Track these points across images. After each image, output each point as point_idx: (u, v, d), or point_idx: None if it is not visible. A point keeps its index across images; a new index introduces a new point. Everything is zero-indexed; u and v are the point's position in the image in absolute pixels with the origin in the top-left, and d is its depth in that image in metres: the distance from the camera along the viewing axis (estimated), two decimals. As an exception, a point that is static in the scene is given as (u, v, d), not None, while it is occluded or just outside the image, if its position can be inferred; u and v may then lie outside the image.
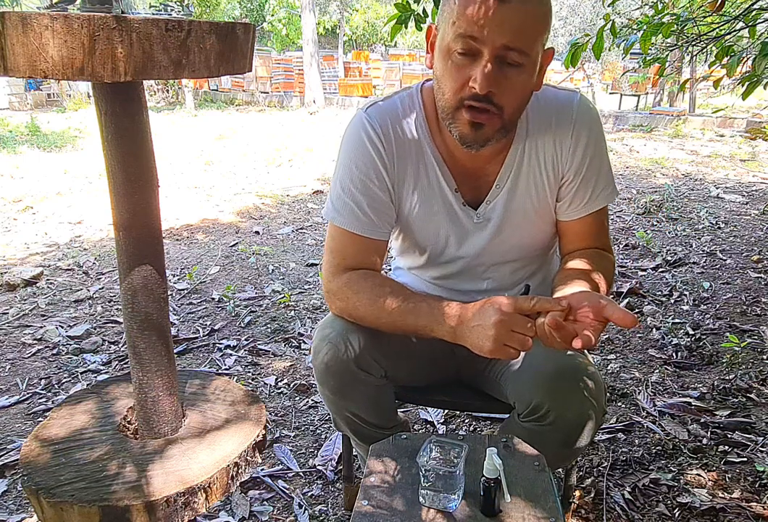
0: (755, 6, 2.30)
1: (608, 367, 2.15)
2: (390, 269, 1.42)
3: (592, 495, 1.50)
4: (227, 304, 2.70)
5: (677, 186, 5.11)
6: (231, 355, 2.29)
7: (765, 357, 2.17)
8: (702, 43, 2.54)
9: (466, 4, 0.87)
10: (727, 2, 2.19)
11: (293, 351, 2.31)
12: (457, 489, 0.85)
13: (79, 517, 1.00)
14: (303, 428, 1.84)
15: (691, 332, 2.38)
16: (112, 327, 2.52)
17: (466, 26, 0.87)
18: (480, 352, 0.91)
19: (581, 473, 1.58)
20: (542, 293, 0.98)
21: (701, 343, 2.30)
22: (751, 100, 6.50)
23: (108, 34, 0.77)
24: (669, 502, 1.48)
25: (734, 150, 7.07)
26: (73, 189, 5.03)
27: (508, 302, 0.88)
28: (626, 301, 2.70)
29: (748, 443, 1.68)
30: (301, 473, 1.62)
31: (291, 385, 2.06)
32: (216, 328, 2.50)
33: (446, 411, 1.89)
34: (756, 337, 2.33)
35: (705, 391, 1.96)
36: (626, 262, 3.24)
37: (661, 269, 3.13)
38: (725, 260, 3.23)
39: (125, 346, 2.03)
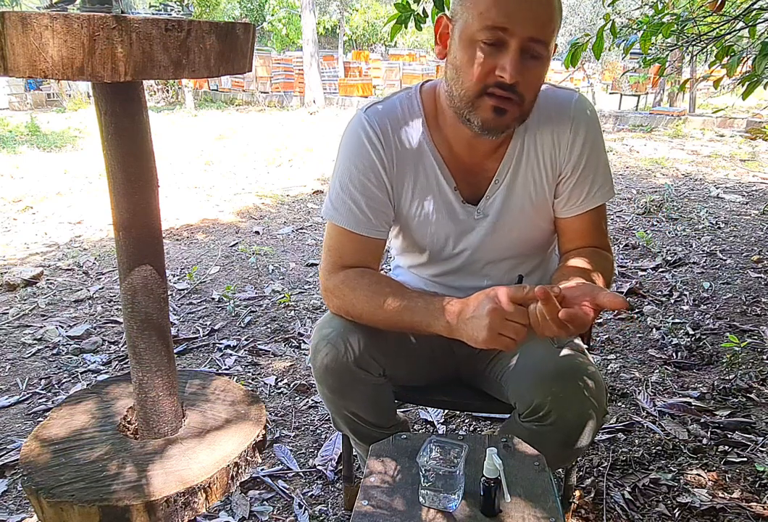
0: (755, 6, 2.30)
1: (608, 367, 2.15)
2: (390, 269, 1.42)
3: (592, 495, 1.50)
4: (227, 304, 2.70)
5: (677, 186, 5.11)
6: (231, 355, 2.29)
7: (765, 357, 2.17)
8: (702, 43, 2.54)
9: None
10: (727, 2, 2.19)
11: (293, 351, 2.31)
12: (457, 489, 0.85)
13: (79, 517, 1.00)
14: (303, 428, 1.84)
15: (691, 332, 2.38)
16: (112, 327, 2.52)
17: (495, 17, 0.90)
18: (475, 343, 0.91)
19: (581, 473, 1.58)
20: None
21: (701, 343, 2.30)
22: (751, 100, 6.50)
23: (108, 34, 0.77)
24: (669, 502, 1.48)
25: (734, 150, 7.07)
26: (73, 189, 5.03)
27: (502, 292, 0.89)
28: (626, 299, 2.69)
29: (748, 443, 1.68)
30: (301, 473, 1.62)
31: (291, 385, 2.06)
32: (216, 328, 2.50)
33: (446, 411, 1.89)
34: (756, 337, 2.33)
35: (705, 391, 1.96)
36: (626, 262, 3.24)
37: (661, 269, 3.13)
38: (725, 260, 3.23)
39: (125, 346, 2.03)
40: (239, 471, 1.13)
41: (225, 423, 1.22)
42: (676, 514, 1.43)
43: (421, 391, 1.29)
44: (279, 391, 2.04)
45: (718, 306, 2.65)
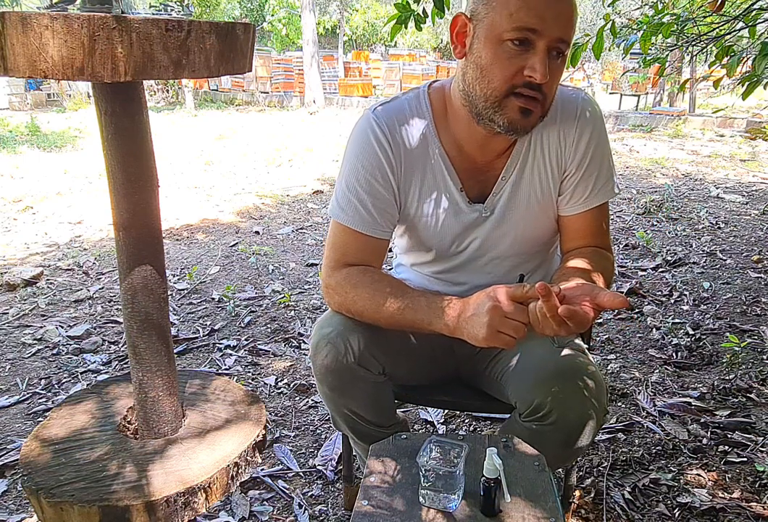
0: (755, 6, 2.30)
1: (608, 367, 2.15)
2: (390, 269, 1.42)
3: (592, 495, 1.50)
4: (227, 304, 2.70)
5: (677, 186, 5.11)
6: (231, 355, 2.29)
7: (765, 357, 2.17)
8: (702, 43, 2.54)
9: None
10: (727, 2, 2.19)
11: (293, 351, 2.31)
12: (457, 489, 0.85)
13: (79, 517, 1.00)
14: (303, 428, 1.84)
15: (691, 332, 2.38)
16: (112, 327, 2.52)
17: (526, 19, 0.91)
18: (475, 341, 0.92)
19: (581, 473, 1.58)
20: None
21: (701, 343, 2.30)
22: (751, 100, 6.51)
23: (108, 34, 0.77)
24: (669, 502, 1.48)
25: (734, 150, 7.07)
26: (73, 189, 5.03)
27: (502, 290, 0.90)
28: (626, 298, 2.69)
29: (748, 443, 1.68)
30: (301, 473, 1.62)
31: (291, 385, 2.06)
32: (216, 328, 2.50)
33: (446, 411, 1.89)
34: (756, 337, 2.33)
35: (705, 391, 1.95)
36: (626, 262, 3.24)
37: (661, 269, 3.13)
38: (725, 260, 3.23)
39: (125, 346, 2.03)
40: (239, 471, 1.14)
41: (225, 423, 1.22)
42: (676, 514, 1.43)
43: (421, 391, 1.28)
44: (279, 391, 2.04)
45: (718, 306, 2.65)
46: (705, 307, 2.65)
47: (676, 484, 1.53)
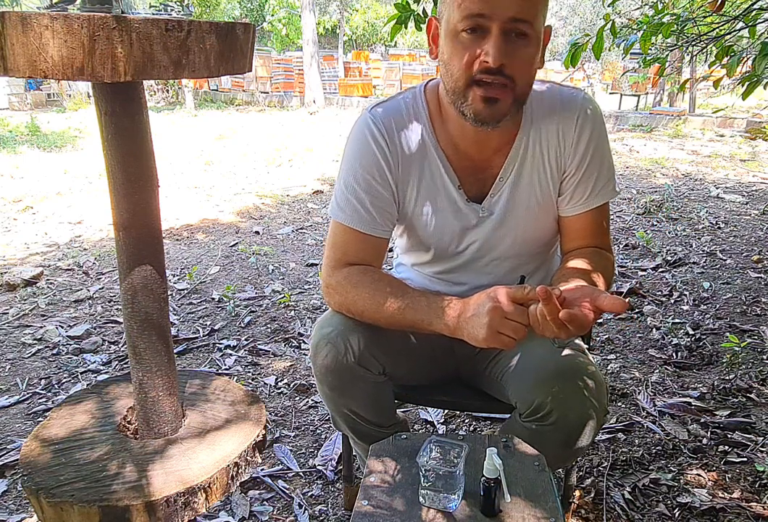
0: (755, 6, 2.30)
1: (608, 367, 2.15)
2: (390, 268, 1.42)
3: (592, 495, 1.50)
4: (227, 304, 2.70)
5: (677, 186, 5.11)
6: (231, 355, 2.29)
7: (765, 357, 2.17)
8: (702, 43, 2.54)
9: None
10: (727, 2, 2.19)
11: (293, 351, 2.31)
12: (457, 489, 0.85)
13: (79, 517, 1.00)
14: (303, 428, 1.84)
15: (691, 332, 2.38)
16: (112, 327, 2.52)
17: (472, 5, 0.91)
18: (476, 342, 0.92)
19: (581, 473, 1.58)
20: None
21: (701, 343, 2.30)
22: (751, 100, 6.50)
23: (108, 34, 0.77)
24: (669, 502, 1.48)
25: (734, 150, 7.07)
26: (73, 189, 5.03)
27: (502, 291, 0.89)
28: (626, 301, 2.69)
29: (748, 443, 1.68)
30: (301, 473, 1.62)
31: (291, 385, 2.06)
32: (216, 328, 2.50)
33: (446, 411, 1.89)
34: (756, 337, 2.33)
35: (705, 391, 1.95)
36: (626, 262, 3.24)
37: (661, 269, 3.13)
38: (725, 260, 3.23)
39: (125, 346, 2.03)
40: (239, 471, 1.14)
41: (225, 423, 1.22)
42: (676, 514, 1.43)
43: (421, 391, 1.28)
44: (279, 391, 2.04)
45: (718, 306, 2.65)
46: (705, 307, 2.65)
47: (676, 484, 1.53)
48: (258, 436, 1.19)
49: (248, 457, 1.16)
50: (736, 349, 2.15)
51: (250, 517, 1.47)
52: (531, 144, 1.09)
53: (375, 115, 1.10)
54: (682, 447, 1.68)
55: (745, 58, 2.25)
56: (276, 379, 2.10)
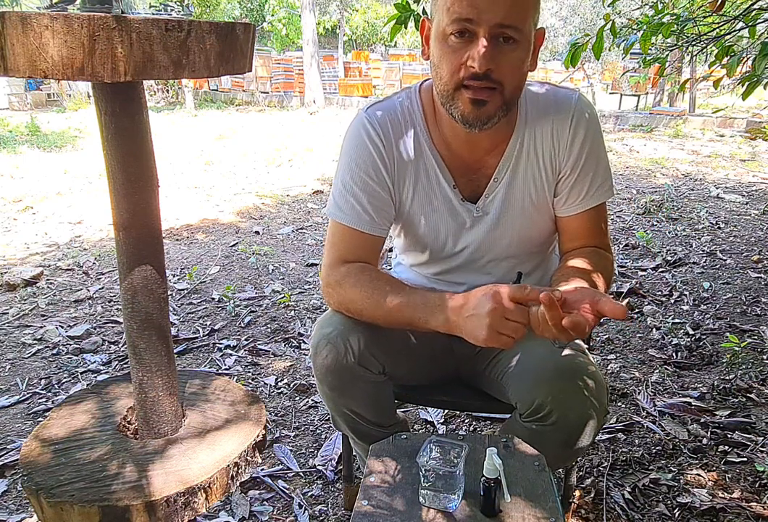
0: (755, 6, 2.30)
1: (608, 367, 2.15)
2: (390, 268, 1.42)
3: (592, 495, 1.50)
4: (227, 304, 2.70)
5: (677, 186, 5.11)
6: (231, 355, 2.29)
7: (765, 357, 2.17)
8: (702, 43, 2.54)
9: None
10: (727, 2, 2.19)
11: (293, 351, 2.31)
12: (457, 489, 0.85)
13: (79, 517, 1.00)
14: (303, 428, 1.84)
15: (691, 332, 2.38)
16: (112, 327, 2.52)
17: (460, 9, 0.91)
18: (475, 342, 0.91)
19: (581, 473, 1.58)
20: None
21: (701, 343, 2.30)
22: (751, 100, 6.51)
23: (108, 34, 0.77)
24: (669, 502, 1.48)
25: (734, 150, 7.07)
26: (73, 189, 5.03)
27: (502, 291, 0.89)
28: (626, 301, 2.70)
29: (748, 443, 1.68)
30: (301, 473, 1.62)
31: (291, 385, 2.06)
32: (216, 328, 2.50)
33: (446, 411, 1.89)
34: (756, 337, 2.33)
35: (705, 391, 1.95)
36: (626, 262, 3.24)
37: (661, 269, 3.13)
38: (725, 260, 3.23)
39: (125, 346, 2.03)
40: (239, 471, 1.14)
41: (225, 423, 1.22)
42: (676, 514, 1.43)
43: (421, 391, 1.28)
44: (279, 391, 2.04)
45: (718, 306, 2.65)
46: (705, 307, 2.65)
47: (676, 484, 1.53)
48: (258, 436, 1.19)
49: (248, 457, 1.16)
50: (736, 349, 2.15)
51: (250, 517, 1.47)
52: (525, 145, 1.10)
53: (370, 114, 1.11)
54: (682, 447, 1.68)
55: (745, 58, 2.25)
56: (276, 379, 2.10)
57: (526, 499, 0.86)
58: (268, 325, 2.53)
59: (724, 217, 4.10)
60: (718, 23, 2.46)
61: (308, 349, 2.31)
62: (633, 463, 1.62)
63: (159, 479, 1.05)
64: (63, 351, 2.30)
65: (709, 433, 1.74)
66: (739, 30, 2.41)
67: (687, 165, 6.15)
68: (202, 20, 0.86)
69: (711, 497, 1.47)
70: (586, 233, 1.14)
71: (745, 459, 1.62)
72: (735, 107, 10.71)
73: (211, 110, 12.52)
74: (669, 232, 3.77)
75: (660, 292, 2.82)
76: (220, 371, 2.16)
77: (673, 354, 2.24)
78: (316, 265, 3.28)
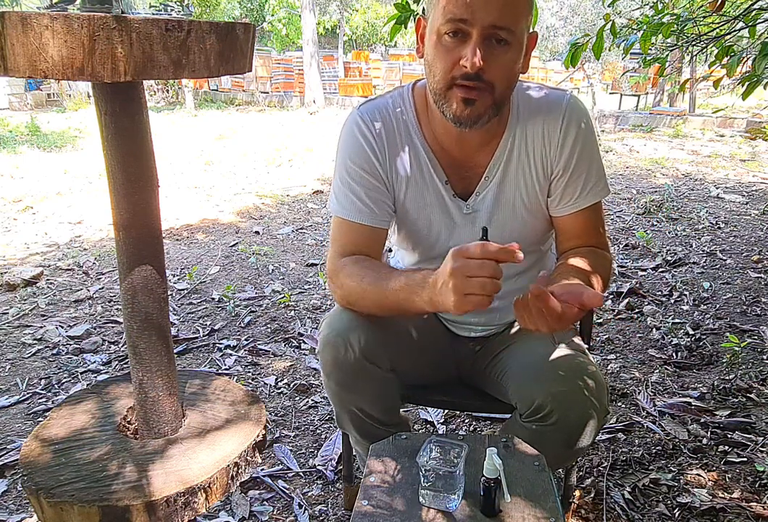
0: (755, 6, 2.30)
1: (608, 367, 2.15)
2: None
3: (592, 495, 1.50)
4: (227, 304, 2.70)
5: (677, 186, 5.11)
6: (231, 355, 2.29)
7: (765, 357, 2.17)
8: (702, 43, 2.54)
9: None
10: (727, 2, 2.19)
11: (293, 351, 2.31)
12: (457, 489, 0.85)
13: (79, 517, 1.00)
14: (303, 428, 1.84)
15: (691, 332, 2.38)
16: (112, 327, 2.52)
17: (454, 9, 0.92)
18: (449, 310, 0.88)
19: (581, 473, 1.58)
20: None
21: (701, 343, 2.30)
22: (751, 100, 6.51)
23: (108, 34, 0.77)
24: (669, 502, 1.48)
25: (734, 150, 7.07)
26: (73, 189, 5.03)
27: (461, 249, 0.85)
28: (626, 301, 2.70)
29: (748, 443, 1.68)
30: (301, 473, 1.62)
31: (291, 385, 2.06)
32: (216, 328, 2.50)
33: (446, 411, 1.89)
34: (756, 337, 2.33)
35: (705, 391, 1.96)
36: (626, 262, 3.24)
37: (661, 269, 3.13)
38: (725, 260, 3.23)
39: (125, 346, 2.03)
40: (239, 471, 1.13)
41: (225, 423, 1.22)
42: (676, 514, 1.43)
43: (421, 391, 1.29)
44: (279, 391, 2.04)
45: (718, 306, 2.65)
46: (705, 307, 2.65)
47: (676, 484, 1.53)
48: (258, 436, 1.19)
49: (248, 457, 1.16)
50: (736, 349, 2.15)
51: (250, 517, 1.47)
52: (516, 145, 1.11)
53: (363, 112, 1.13)
54: (682, 447, 1.68)
55: (745, 58, 2.25)
56: (276, 379, 2.10)
57: (526, 499, 0.86)
58: (268, 325, 2.52)
59: (724, 217, 4.10)
60: (718, 23, 2.46)
61: (308, 349, 2.31)
62: (633, 463, 1.62)
63: (159, 479, 1.05)
64: (63, 351, 2.30)
65: (709, 433, 1.74)
66: (739, 30, 2.41)
67: (687, 165, 6.15)
68: (202, 20, 0.86)
69: (711, 497, 1.47)
70: (582, 233, 1.15)
71: (745, 459, 1.62)
72: (735, 107, 10.71)
73: (211, 110, 12.52)
74: (669, 232, 3.77)
75: (660, 292, 2.82)
76: (220, 371, 2.16)
77: (673, 354, 2.24)
78: (316, 265, 3.28)
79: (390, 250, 1.44)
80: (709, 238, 3.63)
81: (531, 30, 1.01)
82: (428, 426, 1.84)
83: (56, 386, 2.07)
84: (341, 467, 1.53)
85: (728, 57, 2.21)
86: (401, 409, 1.28)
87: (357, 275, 1.07)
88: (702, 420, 1.80)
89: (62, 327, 2.48)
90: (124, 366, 2.19)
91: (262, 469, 1.63)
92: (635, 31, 2.40)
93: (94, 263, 3.28)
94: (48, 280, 3.01)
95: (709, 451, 1.66)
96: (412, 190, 1.13)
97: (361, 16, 20.80)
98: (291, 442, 1.77)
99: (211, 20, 0.89)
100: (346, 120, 1.15)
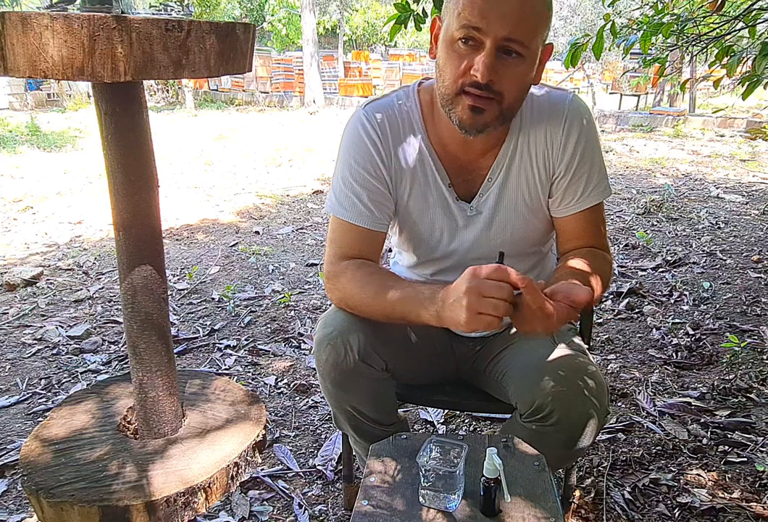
0: (755, 6, 2.30)
1: (608, 367, 2.15)
2: (388, 268, 1.42)
3: (592, 495, 1.50)
4: (227, 304, 2.70)
5: (677, 186, 5.11)
6: (231, 355, 2.29)
7: (765, 357, 2.17)
8: (702, 43, 2.54)
9: None
10: (727, 2, 2.19)
11: (293, 351, 2.31)
12: (457, 489, 0.85)
13: (79, 517, 1.00)
14: (303, 428, 1.84)
15: (691, 332, 2.38)
16: (112, 327, 2.52)
17: (470, 17, 0.91)
18: (459, 327, 0.89)
19: (581, 473, 1.58)
20: None
21: (701, 343, 2.30)
22: (751, 100, 6.51)
23: (108, 34, 0.77)
24: (669, 502, 1.48)
25: (734, 150, 7.07)
26: (73, 189, 5.03)
27: (478, 270, 0.87)
28: (626, 301, 2.70)
29: (748, 443, 1.68)
30: (301, 473, 1.62)
31: (291, 385, 2.06)
32: (216, 328, 2.50)
33: (446, 411, 1.89)
34: (756, 337, 2.33)
35: (705, 391, 1.95)
36: (626, 262, 3.24)
37: (661, 269, 3.13)
38: (725, 260, 3.23)
39: (125, 346, 2.03)
40: (239, 471, 1.13)
41: (225, 423, 1.22)
42: (676, 514, 1.43)
43: (421, 391, 1.29)
44: (279, 391, 2.04)
45: (718, 306, 2.65)
46: (705, 307, 2.65)
47: (676, 484, 1.53)
48: (258, 436, 1.19)
49: (248, 457, 1.16)
50: (736, 349, 2.15)
51: (250, 517, 1.47)
52: (519, 146, 1.10)
53: (368, 112, 1.11)
54: (682, 447, 1.68)
55: (745, 58, 2.25)
56: (276, 379, 2.10)
57: (526, 499, 0.86)
58: (268, 325, 2.52)
59: (724, 217, 4.10)
60: (718, 23, 2.46)
61: (308, 349, 2.31)
62: (633, 463, 1.62)
63: (159, 479, 1.05)
64: (63, 351, 2.30)
65: (709, 433, 1.74)
66: (739, 30, 2.41)
67: (687, 165, 6.15)
68: (202, 20, 0.86)
69: (711, 497, 1.47)
70: (583, 234, 1.15)
71: (745, 459, 1.62)
72: (735, 107, 10.71)
73: (211, 110, 12.52)
74: (669, 232, 3.77)
75: (660, 292, 2.82)
76: (220, 371, 2.16)
77: (673, 354, 2.24)
78: (316, 265, 3.28)
79: (390, 251, 1.44)
80: (709, 238, 3.63)
81: (546, 42, 1.00)
82: (428, 426, 1.84)
83: (56, 386, 2.07)
84: (341, 467, 1.53)
85: (728, 57, 2.21)
86: (400, 409, 1.28)
87: (362, 281, 1.06)
88: (702, 420, 1.80)
89: (62, 327, 2.48)
90: (124, 366, 2.19)
91: (262, 469, 1.63)
92: (635, 31, 2.40)
93: (94, 263, 3.28)
94: (48, 280, 3.01)
95: (709, 451, 1.66)
96: (416, 192, 1.13)
97: (361, 16, 20.80)
98: (291, 442, 1.77)
99: (211, 20, 0.89)
100: (351, 118, 1.14)
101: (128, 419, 1.22)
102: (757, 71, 1.98)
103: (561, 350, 1.09)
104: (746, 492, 1.49)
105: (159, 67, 0.82)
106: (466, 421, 1.86)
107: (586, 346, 1.18)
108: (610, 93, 11.85)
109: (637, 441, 1.72)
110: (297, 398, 2.00)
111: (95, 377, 2.12)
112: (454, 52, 0.95)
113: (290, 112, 12.19)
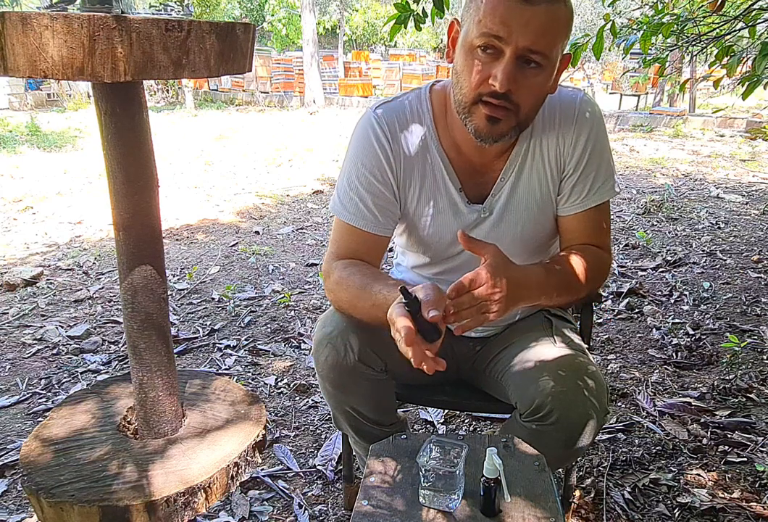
0: (755, 6, 2.30)
1: (608, 367, 2.15)
2: (390, 268, 1.42)
3: (592, 495, 1.50)
4: (227, 304, 2.70)
5: (677, 186, 5.11)
6: (231, 355, 2.29)
7: (765, 357, 2.17)
8: (702, 43, 2.54)
9: (493, 3, 0.90)
10: (727, 2, 2.19)
11: (293, 351, 2.31)
12: (457, 489, 0.85)
13: (79, 517, 1.00)
14: (303, 428, 1.84)
15: (691, 332, 2.38)
16: (112, 327, 2.52)
17: (491, 25, 0.90)
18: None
19: (581, 473, 1.58)
20: None
21: (701, 343, 2.30)
22: (751, 100, 6.50)
23: (108, 34, 0.77)
24: (669, 502, 1.48)
25: (734, 150, 7.07)
26: (73, 189, 5.03)
27: (399, 321, 0.87)
28: (626, 301, 2.70)
29: (748, 443, 1.68)
30: (301, 473, 1.62)
31: (291, 385, 2.06)
32: (216, 328, 2.50)
33: (446, 411, 1.89)
34: (756, 337, 2.33)
35: (705, 391, 1.95)
36: (626, 262, 3.24)
37: (661, 269, 3.13)
38: (725, 260, 3.23)
39: (125, 346, 2.03)
40: (239, 471, 1.14)
41: (225, 423, 1.22)
42: (676, 514, 1.43)
43: (421, 391, 1.28)
44: (279, 391, 2.04)
45: (718, 306, 2.65)
46: (705, 307, 2.65)
47: (676, 484, 1.53)
48: (258, 436, 1.19)
49: (248, 457, 1.16)
50: (736, 349, 2.15)
51: (250, 517, 1.47)
52: (532, 146, 1.10)
53: (379, 114, 1.10)
54: (682, 447, 1.68)
55: (745, 58, 2.25)
56: (276, 379, 2.10)
57: (526, 499, 0.86)
58: (268, 325, 2.52)
59: (724, 217, 4.10)
60: (718, 23, 2.46)
61: (308, 349, 2.31)
62: (633, 463, 1.62)
63: (159, 479, 1.05)
64: (63, 351, 2.30)
65: (709, 433, 1.74)
66: (739, 30, 2.41)
67: (687, 165, 6.16)
68: (202, 20, 0.86)
69: (711, 497, 1.47)
70: (585, 233, 1.14)
71: (745, 459, 1.62)
72: (735, 107, 10.71)
73: (211, 110, 12.52)
74: (669, 232, 3.77)
75: (660, 292, 2.82)
76: (220, 371, 2.16)
77: (673, 354, 2.24)
78: (316, 265, 3.28)
79: (391, 250, 1.44)
80: (709, 238, 3.63)
81: (565, 51, 0.99)
82: (428, 426, 1.84)
83: (56, 386, 2.07)
84: (341, 467, 1.53)
85: (728, 57, 2.21)
86: (399, 409, 1.28)
87: (344, 283, 1.06)
88: (702, 420, 1.80)
89: (62, 327, 2.48)
90: (124, 366, 2.19)
91: (262, 469, 1.63)
92: (635, 31, 2.40)
93: (94, 263, 3.28)
94: (48, 280, 3.01)
95: (709, 451, 1.66)
96: (425, 197, 1.12)
97: (361, 16, 20.80)
98: (291, 442, 1.77)
99: (211, 20, 0.89)
100: (360, 120, 1.13)
101: (128, 419, 1.22)
102: (757, 71, 1.98)
103: (561, 350, 1.09)
104: (746, 492, 1.49)
105: (159, 67, 0.82)
106: (466, 421, 1.86)
107: (586, 346, 1.18)
108: (610, 93, 11.85)
109: (637, 441, 1.72)
110: (297, 398, 2.00)
111: (95, 377, 2.12)
112: (472, 60, 0.94)
113: (290, 112, 12.19)
